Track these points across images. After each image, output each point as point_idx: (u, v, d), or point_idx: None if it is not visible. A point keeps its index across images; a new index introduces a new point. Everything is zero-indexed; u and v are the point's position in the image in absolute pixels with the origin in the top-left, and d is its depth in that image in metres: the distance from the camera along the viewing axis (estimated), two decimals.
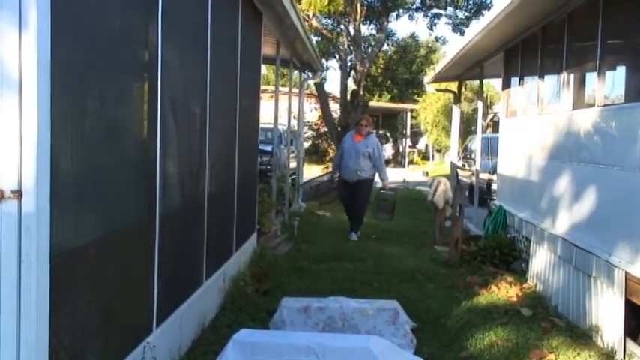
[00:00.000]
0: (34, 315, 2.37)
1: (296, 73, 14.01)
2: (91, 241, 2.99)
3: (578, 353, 4.78)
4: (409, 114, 34.65)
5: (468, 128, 23.85)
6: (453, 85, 17.45)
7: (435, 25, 19.16)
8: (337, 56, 16.11)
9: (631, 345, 4.74)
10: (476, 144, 13.75)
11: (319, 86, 15.43)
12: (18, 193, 2.32)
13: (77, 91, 2.80)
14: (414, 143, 37.61)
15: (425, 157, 35.94)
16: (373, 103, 22.35)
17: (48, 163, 2.40)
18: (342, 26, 15.69)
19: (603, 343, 4.98)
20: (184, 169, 4.69)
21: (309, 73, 14.11)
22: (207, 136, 5.09)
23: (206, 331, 4.91)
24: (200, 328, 4.86)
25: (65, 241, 2.68)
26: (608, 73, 6.22)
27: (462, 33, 16.54)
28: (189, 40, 4.76)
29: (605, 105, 5.78)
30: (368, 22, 17.50)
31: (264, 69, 26.54)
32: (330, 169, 15.73)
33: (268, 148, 12.86)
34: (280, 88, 12.55)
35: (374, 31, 17.11)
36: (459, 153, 17.30)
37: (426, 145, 37.08)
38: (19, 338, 2.36)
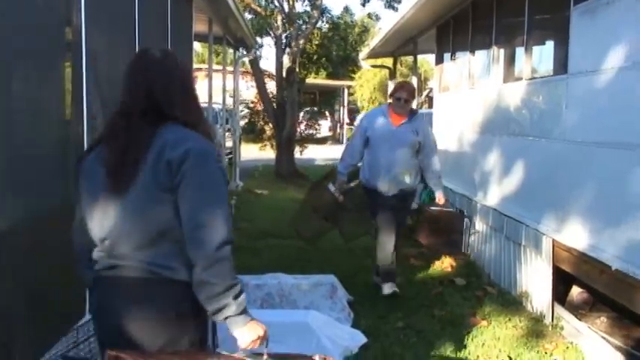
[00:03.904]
0: None
1: (231, 50, 13.85)
2: (16, 226, 2.90)
3: (510, 319, 4.95)
4: (346, 91, 34.75)
5: None
6: (389, 62, 17.57)
7: (367, 1, 19.18)
8: (272, 33, 15.99)
9: (559, 309, 4.94)
10: None
11: (254, 64, 15.28)
12: None
13: None
14: (352, 120, 37.76)
15: None
16: (310, 80, 22.27)
17: None
18: (276, 3, 15.56)
19: (533, 309, 5.17)
20: None
21: (244, 51, 13.97)
22: None
23: None
24: None
25: None
26: (536, 48, 6.39)
27: (395, 9, 16.63)
28: (115, 17, 4.63)
29: (532, 78, 5.94)
30: None
31: (198, 47, 26.14)
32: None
33: None
34: (215, 67, 12.40)
35: (308, 8, 17.03)
36: None
37: None
38: None
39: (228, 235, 1.99)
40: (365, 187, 5.77)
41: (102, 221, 2.08)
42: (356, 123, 37.83)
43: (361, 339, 4.19)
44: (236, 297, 2.01)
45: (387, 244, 5.54)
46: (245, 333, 2.03)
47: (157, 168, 2.00)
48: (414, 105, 5.91)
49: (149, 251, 2.04)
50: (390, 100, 5.71)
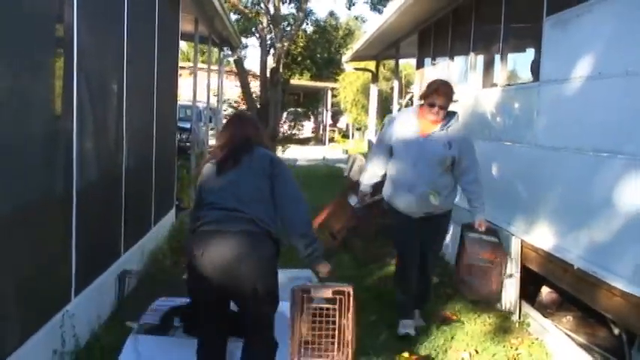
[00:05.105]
0: None
1: (215, 50, 13.98)
2: (6, 211, 3.05)
3: (479, 315, 5.15)
4: (330, 93, 34.93)
5: (386, 107, 24.30)
6: (372, 65, 17.77)
7: (353, 4, 19.43)
8: (257, 34, 16.14)
9: (526, 307, 5.14)
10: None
11: (239, 63, 15.42)
12: None
13: None
14: (335, 122, 37.91)
15: (345, 135, 36.32)
16: (295, 81, 22.42)
17: None
18: (261, 4, 15.70)
19: (502, 306, 5.36)
20: (101, 143, 4.73)
21: (229, 51, 14.11)
22: (124, 112, 5.13)
23: (126, 301, 5.00)
24: (120, 299, 4.95)
25: None
26: (511, 56, 6.60)
27: (381, 12, 16.85)
28: (105, 15, 4.77)
29: (507, 85, 6.15)
30: (288, 0, 17.58)
31: (184, 46, 26.18)
32: None
33: (187, 125, 12.84)
34: (200, 65, 12.53)
35: (294, 10, 17.21)
36: (376, 131, 17.69)
37: (347, 124, 37.47)
38: None
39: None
40: (388, 205, 4.89)
41: (226, 193, 3.18)
42: (338, 124, 38.04)
43: None
44: (319, 244, 3.27)
45: (405, 274, 4.80)
46: (324, 267, 3.31)
47: (263, 162, 3.24)
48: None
49: (258, 211, 3.13)
50: (421, 102, 4.68)
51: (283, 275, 5.09)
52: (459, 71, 7.87)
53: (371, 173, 4.91)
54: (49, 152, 3.66)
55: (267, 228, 3.14)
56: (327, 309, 3.25)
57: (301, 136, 22.73)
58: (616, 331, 4.34)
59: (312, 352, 3.28)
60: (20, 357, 3.09)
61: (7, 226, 3.03)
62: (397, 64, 14.39)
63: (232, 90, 19.49)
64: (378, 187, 5.01)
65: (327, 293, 3.24)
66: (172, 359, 3.84)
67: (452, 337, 4.69)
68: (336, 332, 3.25)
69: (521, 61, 6.78)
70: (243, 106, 17.60)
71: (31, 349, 3.22)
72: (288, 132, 19.10)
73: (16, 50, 3.11)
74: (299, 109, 22.46)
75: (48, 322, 3.46)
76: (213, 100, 15.45)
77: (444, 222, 4.91)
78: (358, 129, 35.59)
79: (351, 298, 3.23)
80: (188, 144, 12.11)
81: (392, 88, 18.72)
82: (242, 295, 3.14)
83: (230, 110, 18.59)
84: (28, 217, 3.28)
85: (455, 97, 4.72)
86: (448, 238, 6.72)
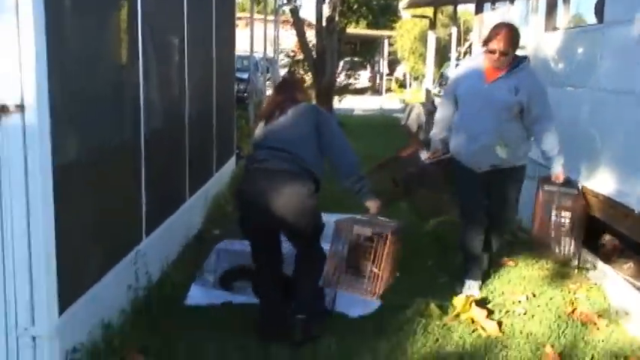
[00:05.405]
0: (40, 218, 2.64)
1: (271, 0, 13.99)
2: (85, 156, 3.25)
3: (537, 261, 5.17)
4: (386, 41, 34.50)
5: (444, 55, 23.89)
6: (429, 12, 17.50)
7: None
8: None
9: (586, 254, 5.12)
10: (451, 70, 13.94)
11: (294, 13, 15.35)
12: (20, 108, 2.54)
13: (64, 19, 2.99)
14: (392, 71, 37.49)
15: (402, 85, 35.96)
16: (351, 30, 22.17)
17: (45, 81, 2.62)
18: None
19: (561, 253, 5.36)
20: (165, 93, 4.88)
21: (284, 0, 14.09)
22: (185, 63, 5.26)
23: (191, 243, 5.24)
24: (186, 240, 5.18)
25: (64, 154, 2.92)
26: None
27: None
28: None
29: (569, 28, 6.02)
30: None
31: None
32: None
33: (245, 76, 12.97)
34: (256, 16, 12.57)
35: None
36: (434, 80, 17.50)
37: (404, 74, 37.04)
38: (29, 237, 2.64)
39: None
40: (454, 159, 4.52)
41: (273, 136, 3.64)
42: (395, 74, 37.56)
43: None
44: (367, 181, 3.66)
45: (469, 233, 4.52)
46: (374, 202, 3.68)
47: (310, 113, 3.69)
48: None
49: (301, 152, 3.53)
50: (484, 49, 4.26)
51: (335, 219, 5.22)
52: (520, 15, 7.71)
53: (440, 127, 4.62)
54: (119, 102, 3.83)
55: (308, 168, 3.52)
56: (366, 245, 3.55)
57: (358, 86, 22.61)
58: None
59: (345, 282, 3.60)
60: (99, 290, 3.32)
61: (84, 172, 3.21)
62: (455, 10, 14.15)
63: (288, 39, 19.45)
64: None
65: (368, 232, 3.55)
66: (237, 299, 4.05)
67: (508, 281, 4.75)
68: (370, 267, 3.54)
69: (584, 3, 6.60)
70: (299, 56, 17.58)
71: (108, 284, 3.44)
72: (345, 82, 19.01)
73: (85, 5, 3.24)
74: (355, 59, 22.26)
75: (122, 259, 3.69)
76: (270, 51, 15.51)
77: (514, 178, 4.50)
78: (416, 78, 35.16)
79: (388, 241, 3.48)
80: (246, 94, 12.25)
81: (450, 35, 18.38)
82: (284, 225, 3.57)
83: (287, 60, 18.64)
84: (102, 162, 3.45)
85: (521, 43, 4.43)
86: (524, 197, 6.68)
